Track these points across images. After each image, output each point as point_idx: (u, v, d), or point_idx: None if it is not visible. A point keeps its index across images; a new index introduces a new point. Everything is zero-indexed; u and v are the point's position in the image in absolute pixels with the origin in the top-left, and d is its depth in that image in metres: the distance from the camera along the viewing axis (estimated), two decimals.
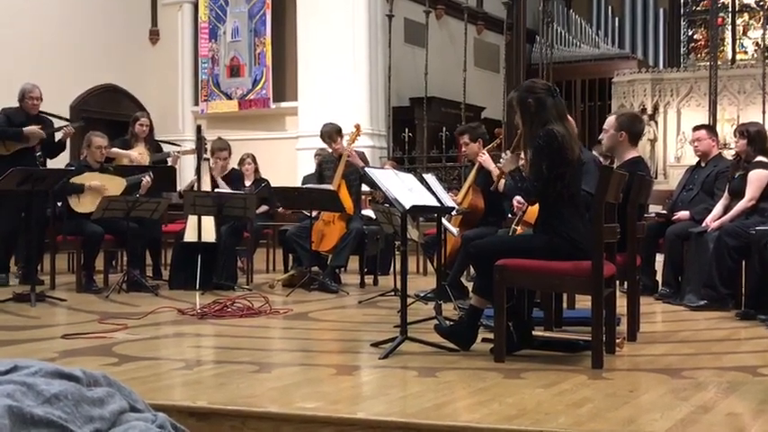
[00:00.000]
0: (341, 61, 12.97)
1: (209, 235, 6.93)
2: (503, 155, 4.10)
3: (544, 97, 3.91)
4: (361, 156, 7.54)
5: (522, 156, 4.08)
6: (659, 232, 6.50)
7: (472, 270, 6.86)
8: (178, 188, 7.89)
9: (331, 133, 7.44)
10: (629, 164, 4.69)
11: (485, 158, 6.37)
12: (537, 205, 4.09)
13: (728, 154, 8.81)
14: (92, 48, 13.18)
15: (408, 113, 14.25)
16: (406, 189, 4.25)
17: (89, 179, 7.03)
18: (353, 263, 7.73)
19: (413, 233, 6.07)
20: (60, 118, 7.49)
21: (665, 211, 6.82)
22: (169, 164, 7.98)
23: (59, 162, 8.29)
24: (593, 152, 7.26)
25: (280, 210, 8.64)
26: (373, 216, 7.31)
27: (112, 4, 13.62)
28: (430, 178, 5.65)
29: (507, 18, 15.15)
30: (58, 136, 7.47)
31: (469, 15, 14.88)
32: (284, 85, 13.78)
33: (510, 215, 6.34)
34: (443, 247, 5.91)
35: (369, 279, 7.55)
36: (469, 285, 5.40)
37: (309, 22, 13.21)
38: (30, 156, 7.35)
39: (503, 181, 6.15)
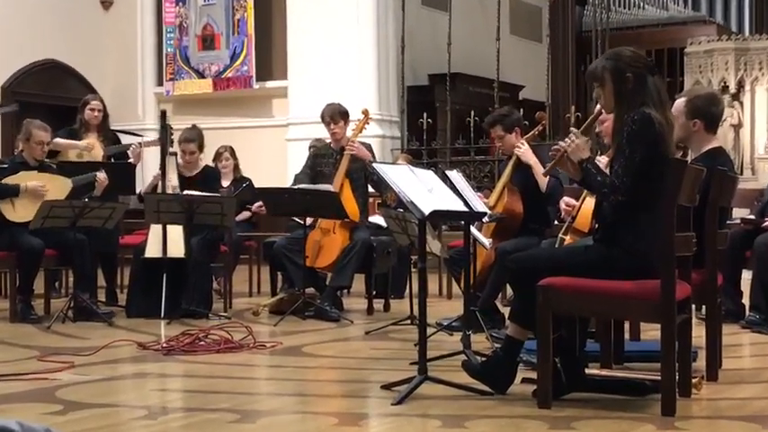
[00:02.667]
0: (342, 30, 12.98)
1: (177, 249, 6.93)
2: (569, 136, 4.06)
3: (645, 73, 3.91)
4: (367, 148, 7.54)
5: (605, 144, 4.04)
6: (746, 243, 6.47)
7: (509, 291, 6.85)
8: (138, 190, 7.91)
9: (334, 113, 7.41)
10: (707, 156, 4.68)
11: (523, 151, 6.36)
12: (590, 209, 4.08)
13: None
14: (28, 15, 13.23)
15: (427, 94, 14.23)
16: (424, 190, 4.25)
17: (26, 179, 7.05)
18: (359, 283, 7.72)
19: (434, 245, 6.06)
20: None
21: (752, 216, 6.80)
22: (129, 159, 8.00)
23: None
24: None
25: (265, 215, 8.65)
26: (383, 224, 7.30)
27: None
28: (455, 176, 5.66)
29: None
30: None
31: None
32: (270, 59, 13.79)
33: (557, 222, 6.33)
34: (473, 262, 5.90)
35: (378, 304, 7.54)
36: (506, 311, 5.39)
37: None
38: None
39: (545, 179, 6.18)
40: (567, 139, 4.03)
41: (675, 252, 3.73)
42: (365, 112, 7.59)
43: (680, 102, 4.87)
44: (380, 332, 6.21)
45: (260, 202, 8.13)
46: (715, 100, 4.99)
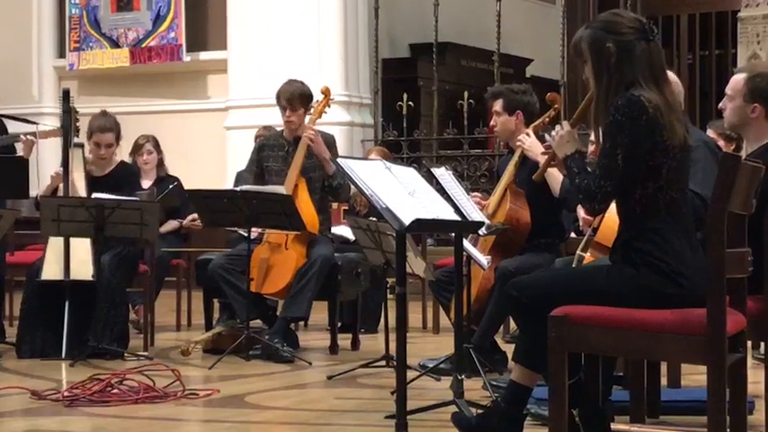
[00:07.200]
0: None
1: (84, 269, 6.90)
2: (555, 128, 4.10)
3: (633, 42, 3.93)
4: (329, 140, 7.53)
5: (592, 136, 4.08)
6: None
7: (513, 324, 6.86)
8: (33, 192, 7.87)
9: (293, 96, 7.36)
10: None
11: (529, 143, 6.37)
12: (617, 219, 4.10)
13: None
14: None
15: (408, 70, 14.24)
16: (404, 193, 4.25)
17: None
18: (320, 313, 7.71)
19: (416, 265, 6.07)
20: None
21: None
22: (18, 153, 7.95)
23: None
24: (708, 131, 7.28)
25: (196, 225, 8.62)
26: (350, 237, 7.30)
27: None
28: (444, 175, 5.66)
29: None
30: None
31: None
32: (205, 24, 13.77)
33: (574, 234, 6.35)
34: (466, 286, 5.90)
35: (344, 340, 7.54)
36: (509, 349, 5.40)
37: None
38: None
39: (558, 178, 6.20)
40: (553, 132, 4.08)
41: (726, 273, 3.74)
42: (325, 92, 7.56)
43: (738, 79, 4.89)
44: (347, 377, 6.21)
45: (194, 215, 8.08)
46: None
